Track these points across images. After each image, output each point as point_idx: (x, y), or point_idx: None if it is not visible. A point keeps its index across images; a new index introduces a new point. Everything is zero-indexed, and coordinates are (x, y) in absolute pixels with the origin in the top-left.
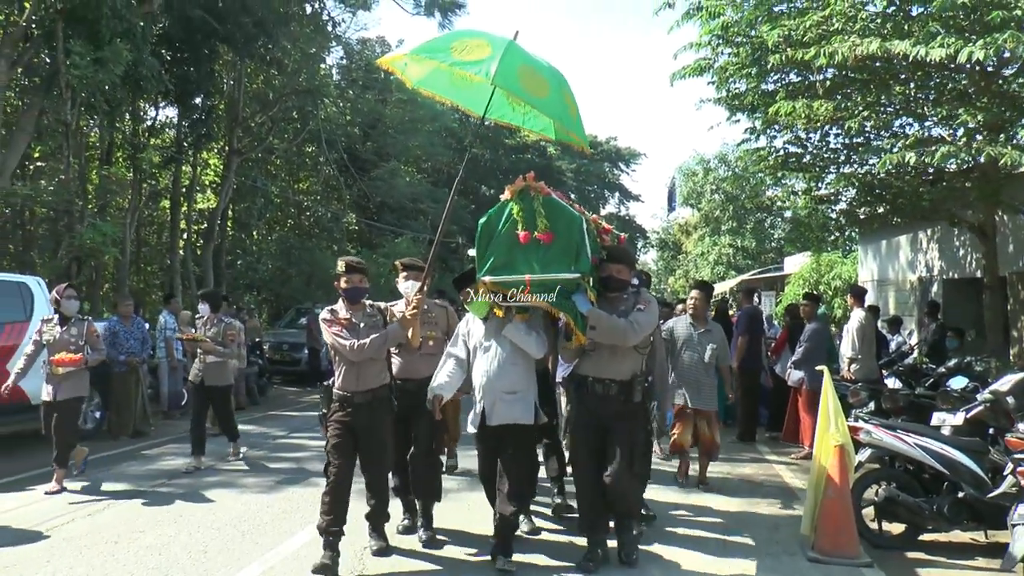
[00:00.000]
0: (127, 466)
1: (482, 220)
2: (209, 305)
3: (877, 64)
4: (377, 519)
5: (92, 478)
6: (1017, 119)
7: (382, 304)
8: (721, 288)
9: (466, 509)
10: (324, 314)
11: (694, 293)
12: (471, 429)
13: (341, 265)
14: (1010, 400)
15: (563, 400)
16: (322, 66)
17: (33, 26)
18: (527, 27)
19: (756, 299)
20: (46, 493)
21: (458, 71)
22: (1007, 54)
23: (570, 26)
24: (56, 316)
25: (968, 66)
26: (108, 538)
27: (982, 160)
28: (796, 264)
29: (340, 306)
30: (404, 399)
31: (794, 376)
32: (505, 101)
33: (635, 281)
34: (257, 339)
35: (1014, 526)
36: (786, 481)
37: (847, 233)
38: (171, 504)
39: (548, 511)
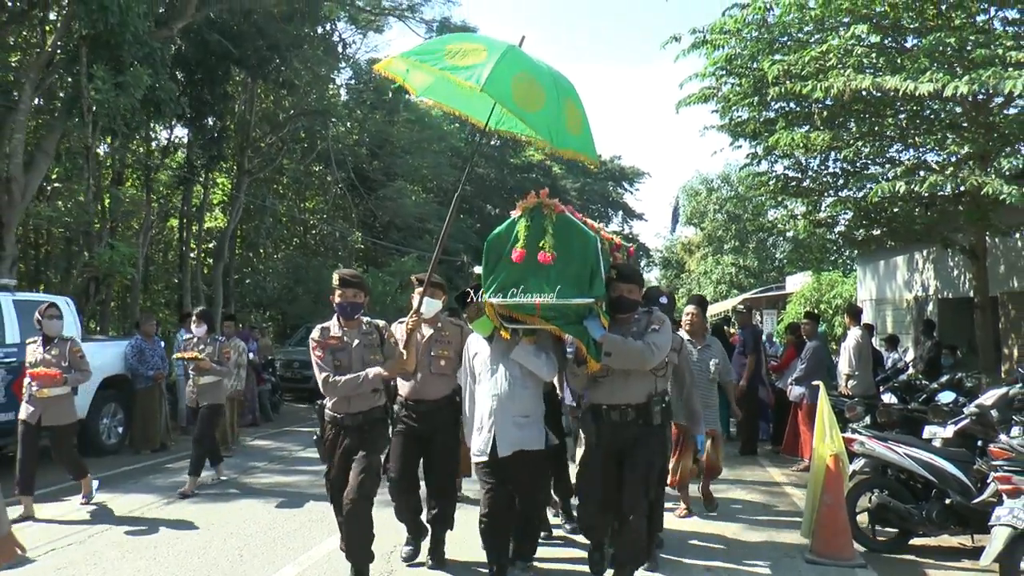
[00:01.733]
0: (153, 479)
1: (490, 237)
2: (206, 324)
3: (871, 97)
4: (353, 554)
5: (105, 495)
6: (1002, 149)
7: (380, 322)
8: (724, 306)
9: (474, 536)
10: (314, 332)
11: (690, 308)
12: (477, 458)
13: (336, 278)
14: (994, 413)
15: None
16: (331, 87)
17: (57, 51)
18: (533, 45)
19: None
20: (80, 504)
21: (450, 76)
22: (990, 89)
23: (576, 43)
24: (40, 336)
25: (957, 97)
26: (147, 544)
27: (964, 188)
28: (798, 283)
29: (333, 323)
30: (417, 421)
31: (795, 392)
32: None
33: (663, 300)
34: (269, 357)
35: (991, 527)
36: (786, 491)
37: (846, 254)
38: (201, 514)
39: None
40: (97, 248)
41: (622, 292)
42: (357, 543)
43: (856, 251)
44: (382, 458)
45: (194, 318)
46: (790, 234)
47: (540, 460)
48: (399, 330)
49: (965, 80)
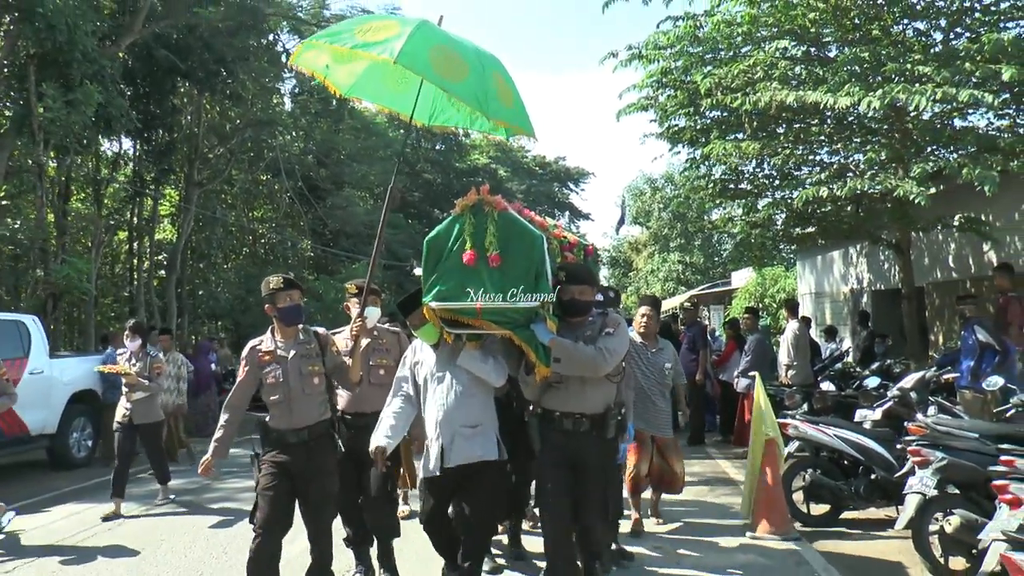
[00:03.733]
0: (128, 488)
1: (429, 237)
2: (140, 338)
3: (797, 106)
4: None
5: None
6: (916, 154)
7: (320, 329)
8: (672, 303)
9: (430, 559)
10: (245, 351)
11: (644, 310)
12: (425, 474)
13: (277, 281)
14: (913, 395)
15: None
16: (276, 97)
17: (4, 70)
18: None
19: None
20: None
21: (362, 54)
22: (900, 103)
23: (515, 48)
24: None
25: (871, 110)
26: (136, 545)
27: (878, 190)
28: (743, 279)
29: (267, 337)
30: (354, 436)
31: (742, 383)
32: (447, 101)
33: (605, 296)
34: (230, 367)
35: (904, 495)
36: (731, 476)
37: (783, 251)
38: (182, 517)
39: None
40: (53, 264)
41: (573, 294)
42: (380, 530)
43: (794, 247)
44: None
45: (127, 332)
46: (733, 232)
47: (494, 474)
48: (341, 340)
49: (878, 95)
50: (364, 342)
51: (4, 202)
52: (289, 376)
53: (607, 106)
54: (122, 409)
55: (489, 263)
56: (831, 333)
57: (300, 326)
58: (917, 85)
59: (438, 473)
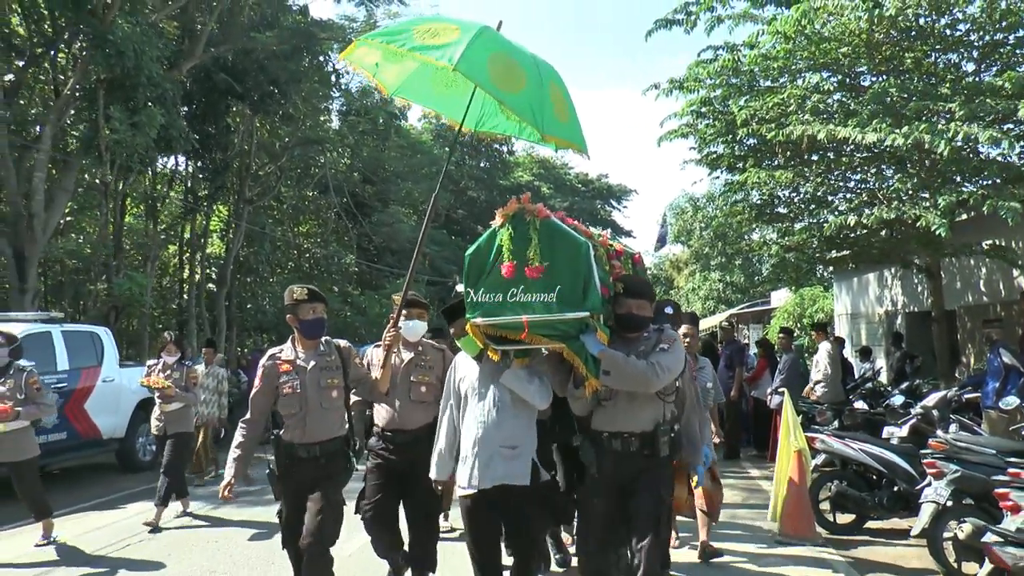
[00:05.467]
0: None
1: (469, 251)
2: (180, 352)
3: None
4: None
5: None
6: (943, 185)
7: (341, 342)
8: (711, 322)
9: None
10: (264, 359)
11: (685, 328)
12: (462, 491)
13: (301, 292)
14: (935, 413)
15: None
16: (324, 116)
17: (76, 94)
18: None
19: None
20: (37, 545)
21: (419, 57)
22: (925, 145)
23: (559, 65)
24: None
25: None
26: (191, 544)
27: (905, 218)
28: (782, 298)
29: (287, 346)
30: (395, 452)
31: (774, 400)
32: (496, 107)
33: (668, 310)
34: None
35: (920, 504)
36: (763, 487)
37: (820, 273)
38: (222, 524)
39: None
40: (115, 279)
41: (630, 308)
42: (419, 560)
43: (831, 269)
44: (343, 495)
45: (169, 345)
46: (770, 255)
47: (529, 498)
48: (375, 354)
49: (903, 132)
50: (407, 354)
51: (68, 218)
52: (307, 387)
53: (649, 122)
54: (155, 421)
55: (535, 275)
56: (866, 353)
57: (323, 339)
58: (940, 124)
59: (471, 491)
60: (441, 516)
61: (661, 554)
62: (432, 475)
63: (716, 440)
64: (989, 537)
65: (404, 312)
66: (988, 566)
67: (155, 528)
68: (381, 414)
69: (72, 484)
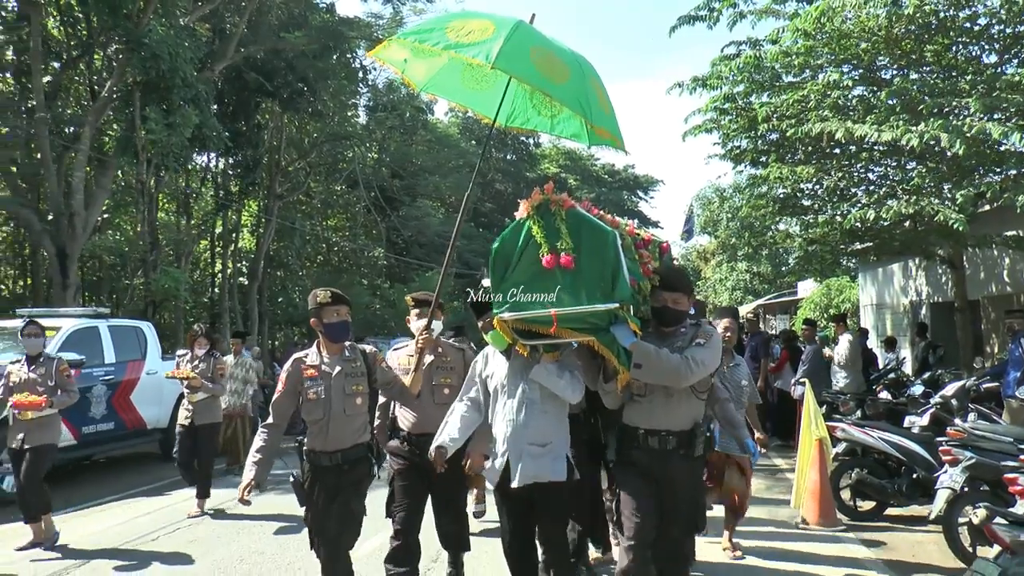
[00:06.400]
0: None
1: (495, 244)
2: (209, 344)
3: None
4: None
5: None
6: (962, 178)
7: (367, 347)
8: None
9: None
10: (288, 364)
11: (727, 322)
12: (491, 487)
13: (324, 295)
14: (954, 402)
15: None
16: (351, 111)
17: (113, 96)
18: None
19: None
20: (16, 549)
21: (455, 55)
22: (940, 144)
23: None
24: (24, 356)
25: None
26: (219, 537)
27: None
28: (808, 289)
29: (312, 351)
30: (422, 456)
31: (797, 391)
32: (528, 103)
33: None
34: None
35: (936, 490)
36: (787, 476)
37: (844, 264)
38: (250, 519)
39: None
40: (153, 275)
41: (666, 302)
42: (450, 542)
43: (856, 259)
44: (366, 503)
45: (200, 338)
46: (793, 248)
47: (562, 496)
48: (395, 357)
49: (917, 132)
50: (427, 357)
51: (105, 215)
52: (332, 393)
53: (675, 114)
54: (184, 411)
55: (568, 265)
56: (890, 344)
57: (347, 343)
58: (954, 122)
59: (497, 490)
60: (473, 498)
61: (691, 547)
62: (432, 443)
63: (760, 436)
64: (997, 520)
65: (416, 312)
66: (996, 549)
67: (217, 512)
68: (406, 418)
69: (120, 472)
